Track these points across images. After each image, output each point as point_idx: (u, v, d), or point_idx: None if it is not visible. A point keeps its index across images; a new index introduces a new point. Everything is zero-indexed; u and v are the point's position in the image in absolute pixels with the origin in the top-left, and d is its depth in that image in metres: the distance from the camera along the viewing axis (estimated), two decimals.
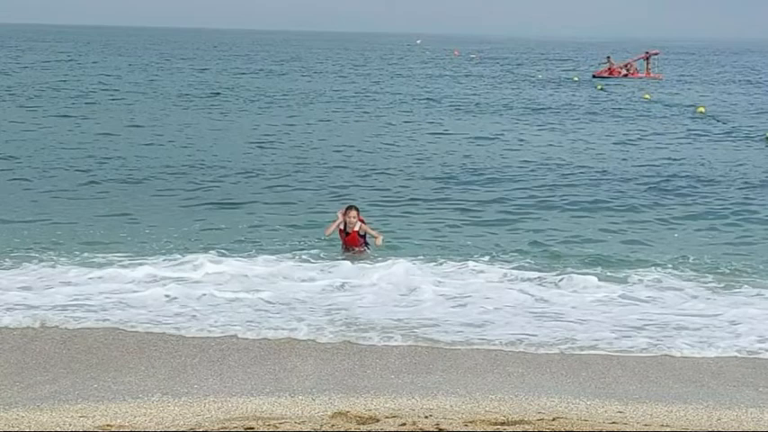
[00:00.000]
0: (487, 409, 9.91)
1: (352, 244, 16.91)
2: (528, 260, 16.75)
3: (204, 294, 14.16)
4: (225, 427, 9.01)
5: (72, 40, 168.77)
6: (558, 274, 15.72)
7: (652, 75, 79.87)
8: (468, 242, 18.28)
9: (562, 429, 9.07)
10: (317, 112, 44.53)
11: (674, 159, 30.69)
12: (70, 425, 9.18)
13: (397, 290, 14.70)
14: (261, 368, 11.23)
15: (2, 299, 13.63)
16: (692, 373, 11.43)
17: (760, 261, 17.14)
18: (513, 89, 64.62)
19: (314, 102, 50.06)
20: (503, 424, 9.24)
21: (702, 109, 49.15)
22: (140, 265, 15.67)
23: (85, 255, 16.33)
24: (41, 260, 15.91)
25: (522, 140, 35.46)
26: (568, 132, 38.50)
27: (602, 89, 64.51)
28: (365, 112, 44.97)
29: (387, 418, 9.38)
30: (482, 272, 15.81)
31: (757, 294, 14.90)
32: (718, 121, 44.47)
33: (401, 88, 62.32)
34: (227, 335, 12.45)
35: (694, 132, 39.33)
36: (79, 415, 9.47)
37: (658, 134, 38.46)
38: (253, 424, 9.12)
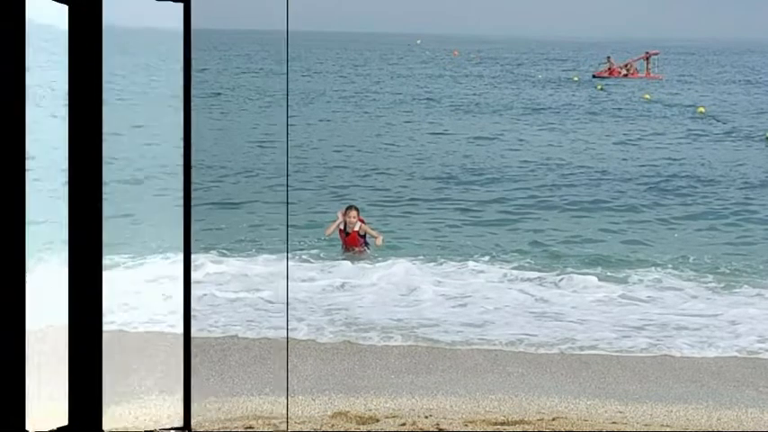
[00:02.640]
0: (487, 409, 9.91)
1: (352, 244, 16.91)
2: (528, 260, 16.74)
3: (204, 294, 14.14)
4: (225, 427, 9.01)
5: None
6: (558, 274, 15.71)
7: (652, 75, 79.83)
8: (468, 242, 18.28)
9: (562, 429, 9.07)
10: (317, 112, 44.52)
11: (674, 159, 30.69)
12: None
13: (397, 290, 14.70)
14: (261, 368, 11.22)
15: None
16: (692, 373, 11.42)
17: (760, 261, 17.14)
18: (513, 89, 64.62)
19: (314, 102, 50.06)
20: (503, 424, 9.24)
21: (702, 109, 49.16)
22: (140, 265, 15.63)
23: None
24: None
25: (522, 140, 35.46)
26: (568, 132, 38.50)
27: (602, 89, 64.51)
28: (365, 112, 44.97)
29: (387, 418, 9.38)
30: (482, 272, 15.80)
31: (757, 294, 14.88)
32: (718, 121, 44.48)
33: (401, 88, 62.30)
34: (227, 335, 12.45)
35: (694, 132, 39.33)
36: None
37: (658, 134, 38.45)
38: (253, 424, 9.12)
